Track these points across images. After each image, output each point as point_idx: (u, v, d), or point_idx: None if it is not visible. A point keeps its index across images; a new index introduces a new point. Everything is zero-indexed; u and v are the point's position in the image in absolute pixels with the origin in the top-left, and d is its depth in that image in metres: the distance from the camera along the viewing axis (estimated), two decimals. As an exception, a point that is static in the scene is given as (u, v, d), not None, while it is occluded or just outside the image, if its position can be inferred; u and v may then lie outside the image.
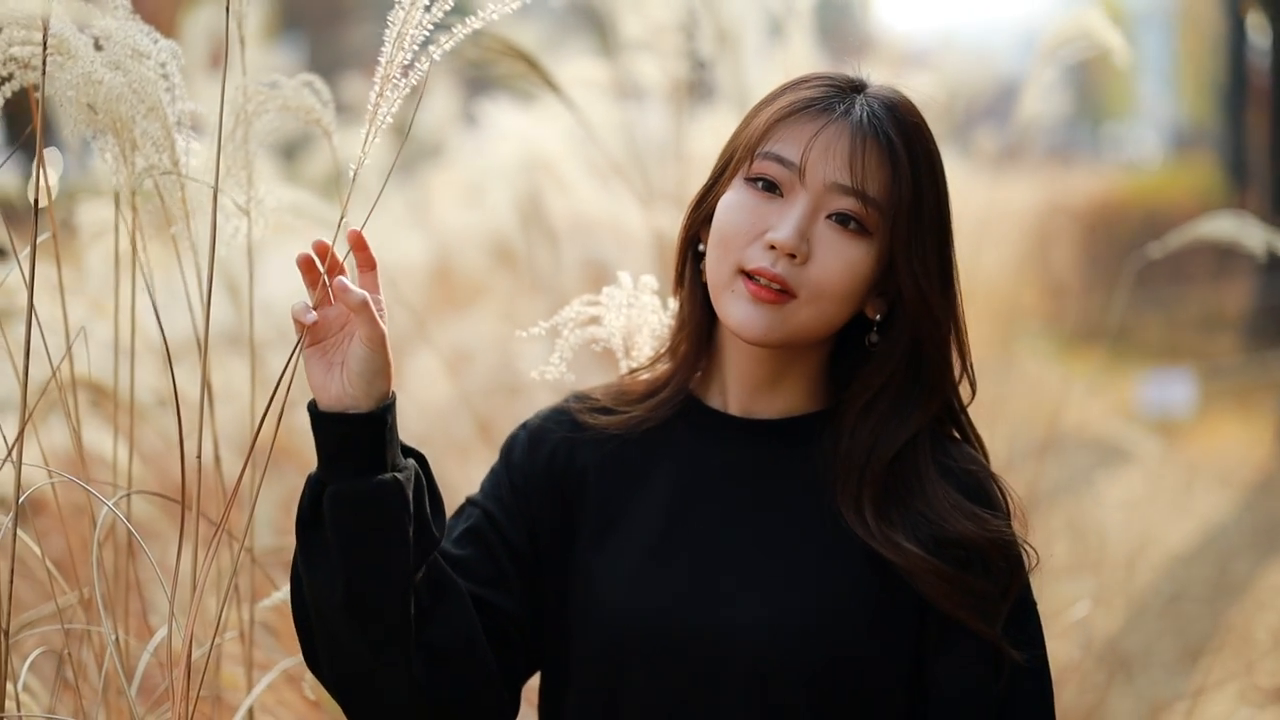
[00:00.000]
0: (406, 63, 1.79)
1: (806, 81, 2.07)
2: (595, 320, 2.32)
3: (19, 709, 2.22)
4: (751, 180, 2.03)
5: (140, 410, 3.17)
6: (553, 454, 2.20)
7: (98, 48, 2.15)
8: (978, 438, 2.16)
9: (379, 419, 1.91)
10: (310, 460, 3.85)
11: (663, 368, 2.23)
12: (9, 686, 2.13)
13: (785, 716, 2.02)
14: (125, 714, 2.30)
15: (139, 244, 2.42)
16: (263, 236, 2.50)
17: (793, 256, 1.99)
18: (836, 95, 2.03)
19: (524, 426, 2.26)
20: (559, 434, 2.21)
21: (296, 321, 1.89)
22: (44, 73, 1.88)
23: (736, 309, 2.01)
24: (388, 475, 1.92)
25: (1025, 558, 2.06)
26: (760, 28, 3.79)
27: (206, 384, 2.36)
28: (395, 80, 1.79)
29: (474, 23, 1.78)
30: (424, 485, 2.01)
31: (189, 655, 1.87)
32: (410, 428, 4.98)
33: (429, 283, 6.79)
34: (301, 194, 3.04)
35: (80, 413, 3.18)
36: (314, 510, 1.94)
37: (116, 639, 2.33)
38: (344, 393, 1.90)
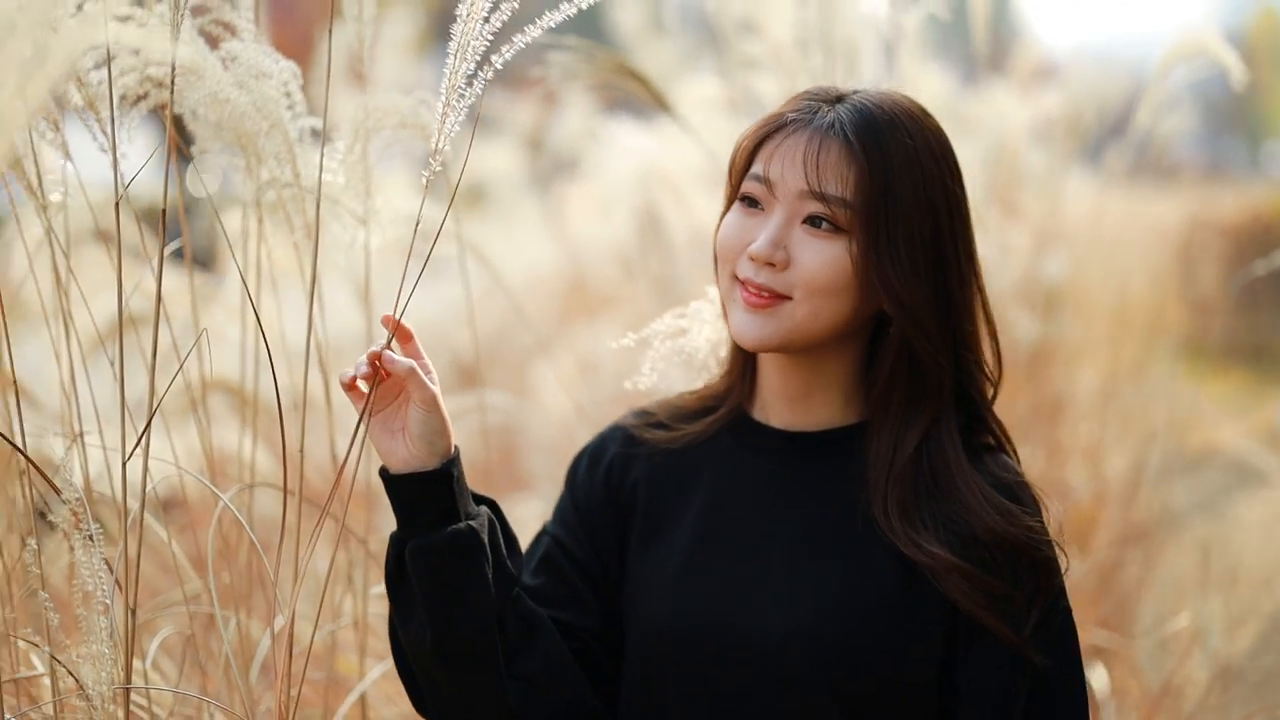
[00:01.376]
0: (470, 73, 1.85)
1: (791, 100, 2.16)
2: (685, 333, 2.40)
3: (145, 683, 2.36)
4: (740, 200, 2.13)
5: (271, 411, 3.31)
6: (609, 471, 2.29)
7: (226, 69, 2.29)
8: (1009, 440, 2.21)
9: (446, 474, 2.02)
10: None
11: (719, 384, 2.31)
12: (138, 663, 2.26)
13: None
14: (245, 694, 2.43)
15: (265, 253, 2.56)
16: (381, 245, 2.62)
17: (772, 265, 2.06)
18: (810, 109, 2.10)
19: (581, 452, 2.35)
20: (614, 450, 2.30)
21: (347, 389, 2.01)
22: (172, 92, 2.01)
23: (734, 318, 2.11)
24: (462, 524, 2.03)
25: (1058, 564, 2.09)
26: (876, 46, 3.86)
27: (326, 385, 2.50)
28: (460, 90, 1.85)
29: (533, 30, 1.83)
30: (498, 528, 2.12)
31: (290, 639, 1.98)
32: (536, 435, 5.10)
33: (563, 292, 6.90)
34: (426, 207, 3.14)
35: (218, 414, 3.34)
36: (398, 566, 2.06)
37: (238, 622, 2.46)
38: (410, 455, 2.02)
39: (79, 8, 1.93)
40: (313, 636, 2.10)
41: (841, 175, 2.05)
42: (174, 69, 2.04)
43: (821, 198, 2.05)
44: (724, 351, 2.37)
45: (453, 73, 1.86)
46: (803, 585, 2.10)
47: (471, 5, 1.85)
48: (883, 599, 2.08)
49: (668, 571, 2.19)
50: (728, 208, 2.17)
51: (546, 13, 1.84)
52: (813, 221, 2.06)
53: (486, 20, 1.85)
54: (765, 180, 2.09)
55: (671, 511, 2.23)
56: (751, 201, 2.11)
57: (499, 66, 1.85)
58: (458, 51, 1.85)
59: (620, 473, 2.28)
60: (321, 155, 2.23)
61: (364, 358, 1.99)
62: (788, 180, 2.07)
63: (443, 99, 1.86)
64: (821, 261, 2.05)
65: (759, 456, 2.21)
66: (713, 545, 2.18)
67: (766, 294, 2.06)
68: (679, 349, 2.38)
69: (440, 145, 1.87)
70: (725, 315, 2.16)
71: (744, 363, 2.26)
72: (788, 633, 2.08)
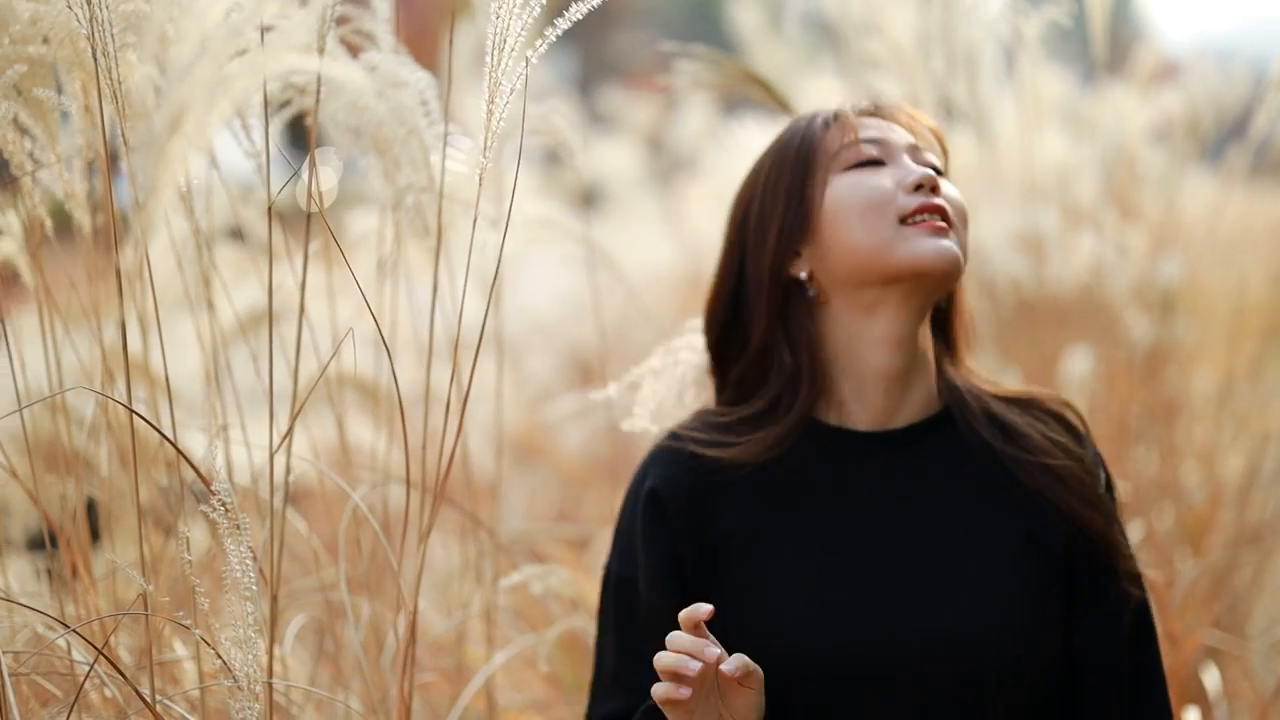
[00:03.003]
0: (510, 68, 1.87)
1: (816, 113, 2.25)
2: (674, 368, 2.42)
3: (285, 671, 2.45)
4: (860, 166, 2.14)
5: (406, 407, 3.40)
6: (690, 507, 2.15)
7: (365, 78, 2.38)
8: None
9: None
10: (557, 455, 4.02)
11: (764, 396, 2.20)
12: (276, 650, 2.35)
13: (984, 714, 2.06)
14: (373, 680, 2.50)
15: (399, 253, 2.64)
16: (516, 248, 2.69)
17: (934, 190, 2.11)
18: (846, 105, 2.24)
19: (649, 494, 2.17)
20: (686, 482, 2.16)
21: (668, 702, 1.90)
22: (317, 101, 2.08)
23: (923, 246, 2.08)
24: None
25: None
26: (996, 49, 3.89)
27: (458, 382, 2.57)
28: (500, 87, 1.87)
29: (563, 23, 1.82)
30: None
31: (413, 629, 2.04)
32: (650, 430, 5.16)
33: (681, 289, 6.95)
34: (550, 207, 3.22)
35: (349, 408, 3.43)
36: None
37: (371, 611, 2.54)
38: None
39: (261, 36, 1.99)
40: (407, 624, 2.14)
41: (926, 137, 2.20)
42: (319, 84, 2.11)
43: (920, 149, 2.17)
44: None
45: (494, 69, 1.87)
46: (957, 586, 2.09)
47: (505, 2, 1.87)
48: (1026, 585, 2.10)
49: (809, 594, 2.10)
50: (813, 203, 2.15)
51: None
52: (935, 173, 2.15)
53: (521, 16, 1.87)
54: (878, 141, 2.15)
55: (783, 535, 2.13)
56: (873, 163, 2.15)
57: (535, 60, 1.85)
58: (496, 48, 1.87)
59: (701, 507, 2.15)
60: (444, 158, 2.29)
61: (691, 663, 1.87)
62: (897, 139, 2.17)
63: (485, 99, 1.88)
64: (957, 191, 2.16)
65: (859, 463, 2.16)
66: (848, 562, 2.11)
67: (939, 216, 2.09)
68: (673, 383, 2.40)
69: (489, 144, 1.89)
70: (886, 266, 2.10)
71: (812, 364, 2.17)
72: (957, 631, 2.06)
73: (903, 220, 2.09)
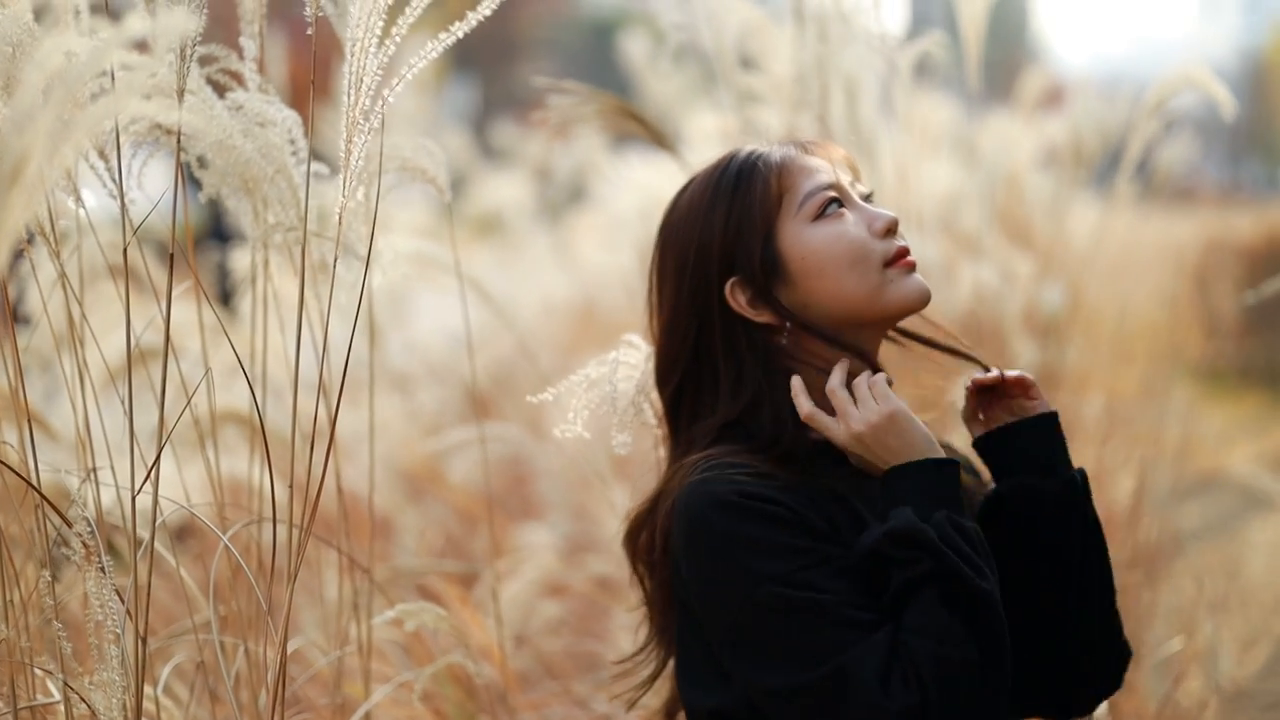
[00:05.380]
0: (368, 106, 1.88)
1: (758, 147, 2.33)
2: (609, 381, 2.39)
3: (158, 710, 2.43)
4: (821, 215, 2.23)
5: (281, 441, 3.39)
6: (796, 493, 2.14)
7: (232, 117, 2.37)
8: None
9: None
10: (447, 489, 3.99)
11: (759, 438, 2.23)
12: (150, 690, 2.33)
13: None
14: (254, 717, 2.49)
15: (271, 292, 2.64)
16: (384, 283, 2.69)
17: (896, 230, 2.25)
18: (784, 141, 2.35)
19: (743, 494, 2.11)
20: (771, 481, 2.15)
21: None
22: (178, 142, 2.08)
23: (909, 286, 2.22)
24: None
25: None
26: (875, 80, 3.94)
27: (327, 417, 2.57)
28: (360, 124, 1.88)
29: (417, 62, 1.84)
30: None
31: (282, 667, 2.04)
32: (550, 464, 5.17)
33: (574, 320, 6.98)
34: (434, 243, 3.23)
35: (232, 445, 3.41)
36: None
37: (246, 649, 2.53)
38: None
39: (108, 81, 1.99)
40: (277, 665, 2.12)
41: (848, 166, 2.34)
42: (179, 129, 2.11)
43: (856, 183, 2.31)
44: (648, 398, 2.42)
45: (351, 106, 1.88)
46: None
47: (360, 40, 1.88)
48: None
49: None
50: (775, 243, 2.23)
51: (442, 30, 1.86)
52: (868, 199, 2.30)
53: (377, 54, 1.88)
54: (834, 186, 2.25)
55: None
56: (836, 204, 2.24)
57: (391, 100, 1.87)
58: (350, 88, 1.88)
59: (806, 494, 2.16)
60: (306, 198, 2.28)
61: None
62: (841, 180, 2.27)
63: (343, 136, 1.90)
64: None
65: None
66: None
67: (908, 252, 2.24)
68: (606, 396, 2.38)
69: (347, 182, 1.90)
70: (871, 310, 2.23)
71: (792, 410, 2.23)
72: None
73: (885, 264, 2.22)
